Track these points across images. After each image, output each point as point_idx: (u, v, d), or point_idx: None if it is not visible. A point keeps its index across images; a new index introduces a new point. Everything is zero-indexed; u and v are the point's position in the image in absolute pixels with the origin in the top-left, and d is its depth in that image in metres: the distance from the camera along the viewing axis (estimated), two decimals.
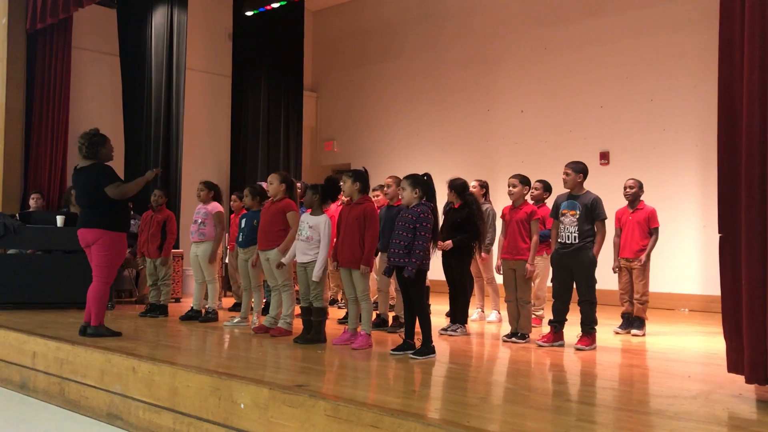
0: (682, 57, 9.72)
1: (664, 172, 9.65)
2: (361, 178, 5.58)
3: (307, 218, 5.80)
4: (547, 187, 7.31)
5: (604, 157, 10.38)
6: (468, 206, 6.43)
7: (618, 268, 6.80)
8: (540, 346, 5.73)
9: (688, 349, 6.02)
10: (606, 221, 5.79)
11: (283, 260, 5.95)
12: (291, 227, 6.09)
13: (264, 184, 7.46)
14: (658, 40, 9.98)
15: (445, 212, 6.53)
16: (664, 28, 9.94)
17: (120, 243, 5.86)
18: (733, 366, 3.75)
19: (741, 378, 3.70)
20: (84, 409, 4.97)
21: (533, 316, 6.93)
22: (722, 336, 3.80)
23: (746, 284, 3.55)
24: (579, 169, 5.86)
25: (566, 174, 5.86)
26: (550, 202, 7.21)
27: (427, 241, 5.09)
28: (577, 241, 5.68)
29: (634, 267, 6.67)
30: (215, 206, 7.30)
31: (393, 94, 13.30)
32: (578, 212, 5.71)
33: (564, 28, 11.00)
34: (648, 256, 6.64)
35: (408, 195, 5.21)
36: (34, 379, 5.54)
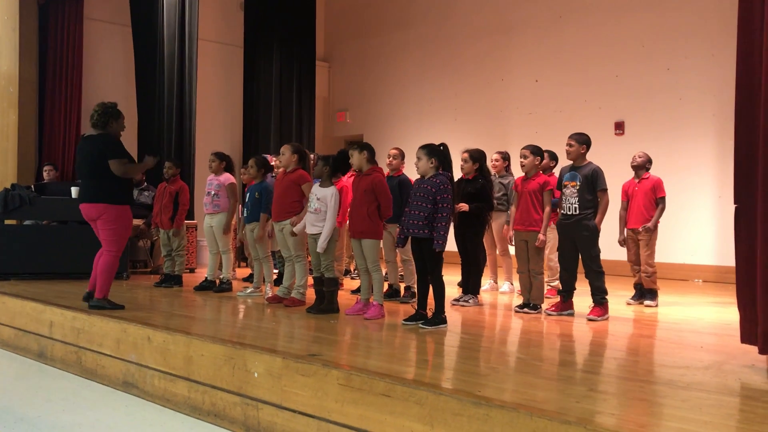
0: (700, 26, 9.55)
1: (680, 142, 9.55)
2: (368, 148, 5.58)
3: (315, 190, 5.80)
4: (552, 156, 7.25)
5: (619, 127, 10.28)
6: (483, 177, 6.44)
7: (624, 240, 6.79)
8: (549, 315, 5.76)
9: (701, 319, 6.01)
10: (607, 192, 5.75)
11: (294, 229, 5.96)
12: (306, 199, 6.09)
13: (269, 156, 7.47)
14: (675, 9, 9.80)
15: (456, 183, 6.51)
16: None
17: (124, 215, 5.77)
18: (747, 337, 3.74)
19: (754, 349, 3.69)
20: (100, 378, 5.05)
21: (549, 287, 6.95)
22: (736, 307, 3.78)
23: (761, 255, 3.52)
24: (582, 141, 5.83)
25: (569, 145, 5.85)
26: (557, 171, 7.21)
27: (450, 212, 5.07)
28: (577, 212, 5.69)
29: (641, 238, 6.65)
30: (228, 177, 7.31)
31: (406, 64, 13.19)
32: (578, 183, 5.70)
33: None
34: (655, 225, 6.62)
35: (424, 165, 5.18)
36: (52, 348, 5.63)
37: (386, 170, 6.99)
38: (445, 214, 5.03)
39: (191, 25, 11.27)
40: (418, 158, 5.22)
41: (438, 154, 5.18)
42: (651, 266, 6.63)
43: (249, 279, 7.93)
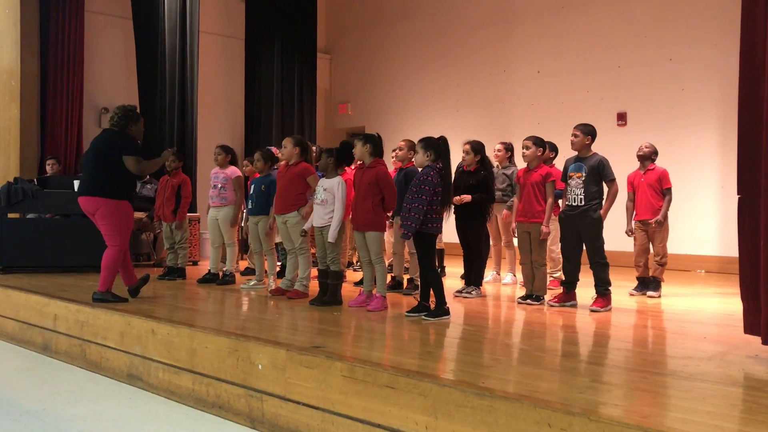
0: (703, 16, 9.51)
1: (683, 133, 9.53)
2: (372, 140, 5.57)
3: (321, 182, 5.80)
4: (552, 147, 7.22)
5: (622, 118, 10.25)
6: (485, 168, 6.43)
7: (632, 231, 6.77)
8: (551, 306, 5.77)
9: (704, 310, 6.01)
10: (616, 181, 5.73)
11: (305, 227, 5.96)
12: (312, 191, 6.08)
13: (273, 149, 7.47)
14: None
15: (456, 174, 6.48)
16: None
17: (123, 210, 5.72)
18: (750, 327, 3.74)
19: (757, 339, 3.70)
20: (105, 370, 5.06)
21: (552, 278, 6.95)
22: (739, 297, 3.79)
23: (764, 246, 3.52)
24: (587, 131, 5.80)
25: (574, 136, 5.82)
26: (557, 163, 7.19)
27: (424, 203, 5.02)
28: (583, 203, 5.67)
29: (653, 230, 6.63)
30: (234, 171, 7.32)
31: (408, 56, 13.16)
32: (584, 174, 5.69)
33: None
34: (665, 217, 6.61)
35: (420, 157, 5.19)
36: (56, 341, 5.65)
37: (396, 162, 6.98)
38: (416, 205, 5.01)
39: (192, 17, 11.26)
40: (416, 151, 5.25)
41: (434, 147, 5.17)
42: (664, 257, 6.62)
43: (247, 272, 7.95)
